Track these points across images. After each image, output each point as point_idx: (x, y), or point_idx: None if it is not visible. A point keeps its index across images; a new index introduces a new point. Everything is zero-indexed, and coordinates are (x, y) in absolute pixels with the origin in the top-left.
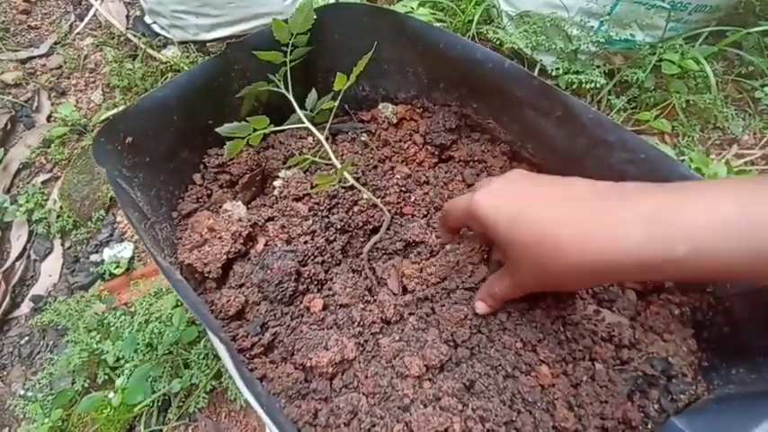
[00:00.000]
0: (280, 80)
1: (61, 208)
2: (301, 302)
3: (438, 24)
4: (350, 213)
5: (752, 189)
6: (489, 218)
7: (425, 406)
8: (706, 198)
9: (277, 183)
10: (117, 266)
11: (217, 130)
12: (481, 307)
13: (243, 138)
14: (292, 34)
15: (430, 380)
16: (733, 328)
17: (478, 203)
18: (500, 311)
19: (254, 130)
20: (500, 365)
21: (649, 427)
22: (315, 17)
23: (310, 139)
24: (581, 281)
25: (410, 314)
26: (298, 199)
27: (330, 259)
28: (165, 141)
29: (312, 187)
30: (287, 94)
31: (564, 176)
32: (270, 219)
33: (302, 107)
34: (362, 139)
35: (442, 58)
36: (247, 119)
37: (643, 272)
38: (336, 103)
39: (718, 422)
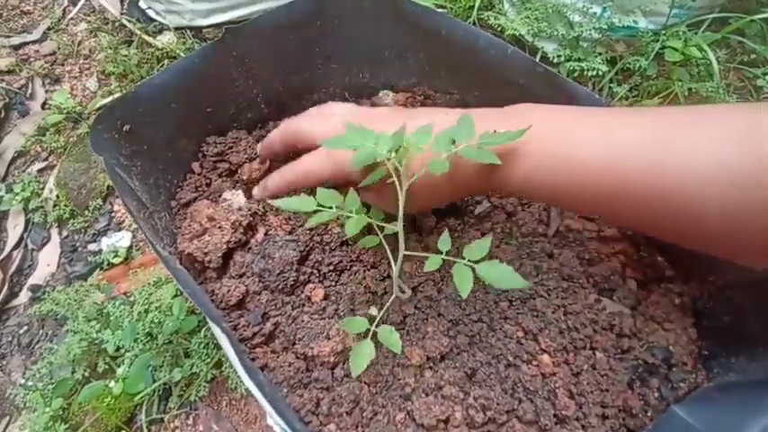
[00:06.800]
0: None
1: (58, 197)
2: (302, 292)
3: (439, 10)
4: None
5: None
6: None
7: (427, 394)
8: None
9: None
10: (115, 256)
11: None
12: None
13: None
14: None
15: (431, 368)
16: (733, 317)
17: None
18: (501, 300)
19: None
20: (501, 354)
21: (649, 414)
22: None
23: None
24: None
25: (412, 305)
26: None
27: (331, 250)
28: (164, 129)
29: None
30: None
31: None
32: (272, 208)
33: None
34: None
35: (444, 45)
36: None
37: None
38: None
39: (718, 410)
